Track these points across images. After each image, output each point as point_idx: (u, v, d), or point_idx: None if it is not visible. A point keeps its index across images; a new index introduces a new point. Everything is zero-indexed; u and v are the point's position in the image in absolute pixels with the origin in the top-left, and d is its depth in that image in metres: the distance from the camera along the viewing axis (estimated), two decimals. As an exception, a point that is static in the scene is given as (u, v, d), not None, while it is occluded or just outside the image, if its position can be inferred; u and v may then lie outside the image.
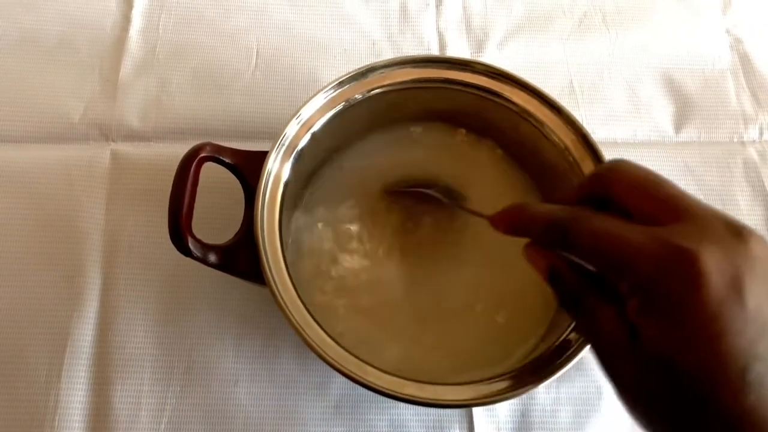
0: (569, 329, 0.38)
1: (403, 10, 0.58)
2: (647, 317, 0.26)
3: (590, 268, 0.29)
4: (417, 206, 0.47)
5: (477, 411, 0.46)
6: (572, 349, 0.37)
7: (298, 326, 0.36)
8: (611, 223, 0.28)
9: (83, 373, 0.46)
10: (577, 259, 0.29)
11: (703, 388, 0.24)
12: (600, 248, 0.27)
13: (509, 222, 0.33)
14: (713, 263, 0.24)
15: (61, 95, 0.53)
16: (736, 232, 0.26)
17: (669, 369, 0.25)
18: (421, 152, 0.49)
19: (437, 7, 0.59)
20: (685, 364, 0.25)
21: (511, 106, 0.44)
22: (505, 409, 0.47)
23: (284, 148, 0.41)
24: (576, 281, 0.30)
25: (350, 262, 0.46)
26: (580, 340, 0.37)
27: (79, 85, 0.53)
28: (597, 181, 0.31)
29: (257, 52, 0.56)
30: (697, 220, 0.26)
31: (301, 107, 0.41)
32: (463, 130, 0.48)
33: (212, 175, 0.42)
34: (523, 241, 0.33)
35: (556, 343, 0.38)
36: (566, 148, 0.42)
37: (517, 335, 0.43)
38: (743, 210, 0.53)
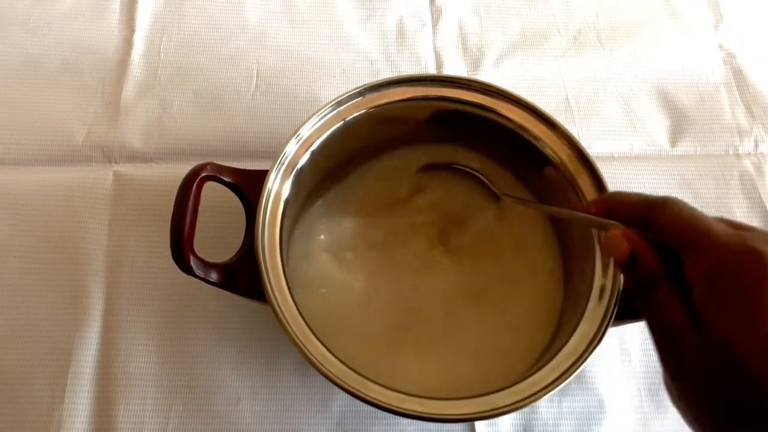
0: (569, 343, 0.38)
1: (400, 30, 0.59)
2: (712, 303, 0.28)
3: (670, 246, 0.30)
4: (431, 212, 0.48)
5: (479, 425, 0.46)
6: (573, 363, 0.37)
7: (299, 343, 0.36)
8: (698, 212, 0.30)
9: (86, 394, 0.46)
10: (660, 237, 0.31)
11: (763, 373, 0.26)
12: (688, 228, 0.30)
13: (607, 204, 0.35)
14: None
15: (65, 118, 0.54)
16: None
17: (730, 353, 0.27)
18: (418, 173, 0.49)
19: (434, 26, 0.60)
20: (746, 349, 0.26)
21: (507, 122, 0.44)
22: (507, 423, 0.47)
23: (284, 166, 0.41)
24: (654, 267, 0.31)
25: (351, 278, 0.46)
26: (581, 354, 0.37)
27: (82, 108, 0.54)
28: (646, 207, 0.32)
29: (257, 73, 0.57)
30: (758, 233, 0.29)
31: (300, 126, 0.42)
32: (461, 149, 0.49)
33: (213, 194, 0.42)
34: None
35: (557, 357, 0.38)
36: (562, 162, 0.43)
37: (518, 349, 0.43)
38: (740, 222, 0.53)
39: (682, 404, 0.29)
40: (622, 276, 0.38)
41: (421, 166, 0.49)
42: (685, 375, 0.29)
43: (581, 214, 0.38)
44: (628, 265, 0.32)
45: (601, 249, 0.40)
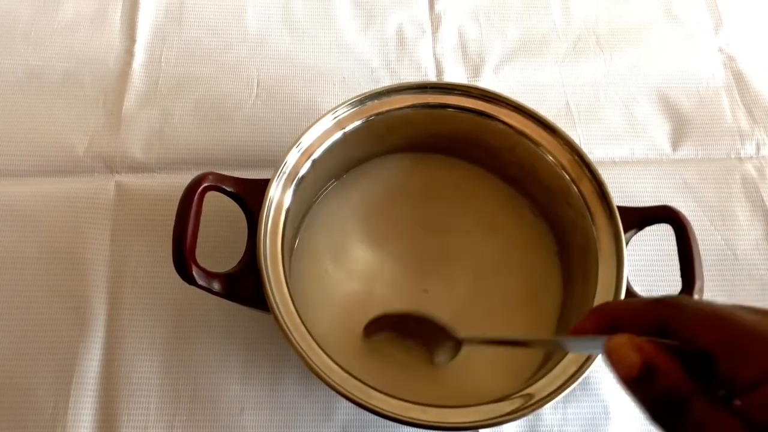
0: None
1: (400, 38, 0.60)
2: None
3: (700, 350, 0.24)
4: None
5: (483, 433, 0.46)
6: (578, 369, 0.37)
7: (302, 352, 0.36)
8: (719, 304, 0.25)
9: (89, 404, 0.46)
10: (679, 343, 0.25)
11: None
12: (716, 323, 0.24)
13: (599, 321, 0.29)
14: None
15: (66, 129, 0.54)
16: None
17: None
18: (419, 180, 0.50)
19: (433, 34, 0.60)
20: None
21: (507, 128, 0.44)
22: (512, 430, 0.46)
23: (285, 175, 0.42)
24: (682, 380, 0.24)
25: (352, 285, 0.46)
26: (585, 360, 0.37)
27: (84, 119, 0.54)
28: (658, 307, 0.27)
29: (258, 82, 0.57)
30: None
31: (301, 135, 0.42)
32: (460, 160, 0.49)
33: (215, 204, 0.43)
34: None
35: (561, 364, 0.38)
36: (563, 167, 0.43)
37: (522, 356, 0.43)
38: (743, 225, 0.53)
39: None
40: (632, 389, 0.26)
41: (369, 323, 0.44)
42: None
43: (569, 337, 0.31)
44: (640, 382, 0.25)
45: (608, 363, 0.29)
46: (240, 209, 0.42)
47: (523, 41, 0.60)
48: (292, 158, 0.42)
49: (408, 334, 0.44)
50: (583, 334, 0.29)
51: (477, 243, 0.48)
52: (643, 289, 0.41)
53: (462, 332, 0.43)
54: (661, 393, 0.24)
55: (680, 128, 0.57)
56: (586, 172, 0.42)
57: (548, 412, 0.47)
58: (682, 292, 0.39)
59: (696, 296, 0.38)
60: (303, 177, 0.42)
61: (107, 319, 0.48)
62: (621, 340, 0.26)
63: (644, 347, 0.25)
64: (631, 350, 0.25)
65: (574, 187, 0.42)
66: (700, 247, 0.41)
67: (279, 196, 0.41)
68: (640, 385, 0.25)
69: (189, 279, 0.38)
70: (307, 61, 0.58)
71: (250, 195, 0.41)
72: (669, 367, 0.24)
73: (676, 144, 0.56)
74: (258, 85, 0.57)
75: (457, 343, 0.41)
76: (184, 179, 0.40)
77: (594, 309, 0.30)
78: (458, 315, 0.45)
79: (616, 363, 0.26)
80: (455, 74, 0.58)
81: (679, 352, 0.25)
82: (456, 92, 0.45)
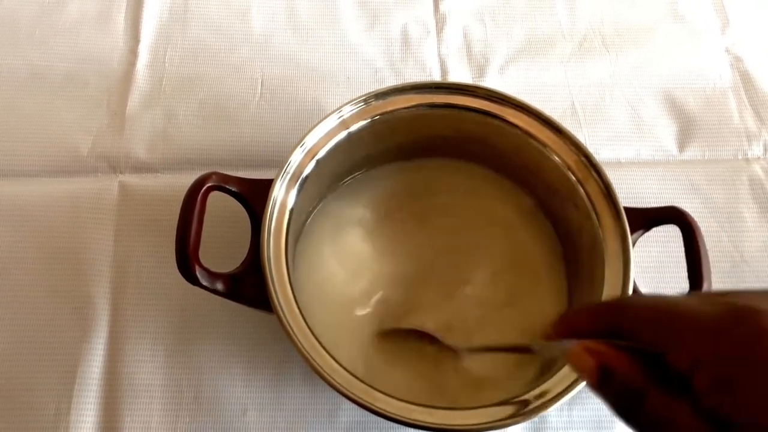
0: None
1: (405, 38, 0.59)
2: (726, 390, 0.22)
3: (647, 347, 0.26)
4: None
5: (488, 436, 0.46)
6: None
7: (305, 352, 0.36)
8: (663, 296, 0.26)
9: (92, 405, 0.46)
10: (630, 342, 0.26)
11: None
12: (658, 318, 0.25)
13: (560, 330, 0.30)
14: None
15: (70, 129, 0.54)
16: None
17: None
18: (424, 181, 0.49)
19: (438, 34, 0.60)
20: None
21: (513, 129, 0.44)
22: (517, 433, 0.46)
23: (289, 175, 0.41)
24: (635, 375, 0.25)
25: (356, 286, 0.46)
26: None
27: (88, 119, 0.54)
28: (609, 310, 0.29)
29: (262, 82, 0.57)
30: (735, 294, 0.25)
31: (305, 135, 0.42)
32: (466, 161, 0.49)
33: (219, 204, 0.42)
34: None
35: (566, 366, 0.38)
36: (569, 168, 0.42)
37: (527, 357, 0.42)
38: (750, 227, 0.53)
39: None
40: (598, 392, 0.28)
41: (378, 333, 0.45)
42: None
43: (543, 343, 0.33)
44: (601, 383, 0.26)
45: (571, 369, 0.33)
46: (243, 209, 0.42)
47: (529, 41, 0.60)
48: (296, 158, 0.42)
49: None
50: (549, 340, 0.31)
51: (483, 244, 0.48)
52: (649, 291, 0.41)
53: (465, 334, 0.43)
54: (619, 390, 0.26)
55: (687, 129, 0.56)
56: (593, 172, 0.42)
57: (553, 414, 0.46)
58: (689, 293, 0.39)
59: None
60: (307, 177, 0.42)
61: (110, 319, 0.48)
62: (576, 348, 0.27)
63: (598, 350, 0.27)
64: (586, 355, 0.27)
65: (581, 188, 0.42)
66: (707, 249, 0.40)
67: (283, 196, 0.41)
68: (603, 385, 0.26)
69: (192, 279, 0.38)
70: (311, 62, 0.58)
71: (253, 195, 0.41)
72: (622, 365, 0.26)
73: (682, 145, 0.56)
74: (262, 86, 0.57)
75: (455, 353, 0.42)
76: (188, 179, 0.40)
77: (556, 321, 0.31)
78: (462, 316, 0.45)
79: (577, 369, 0.28)
80: (460, 74, 0.58)
81: (635, 350, 0.26)
82: (461, 92, 0.44)
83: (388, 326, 0.45)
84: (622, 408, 0.26)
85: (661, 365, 0.25)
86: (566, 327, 0.30)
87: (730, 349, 0.22)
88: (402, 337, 0.44)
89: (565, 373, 0.37)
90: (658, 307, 0.26)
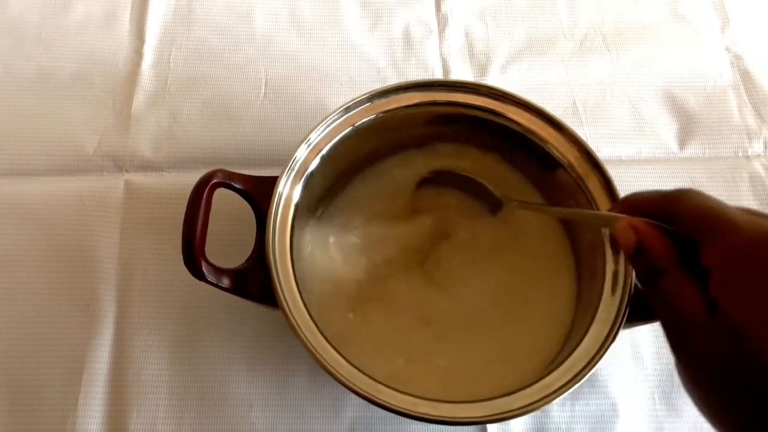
0: (581, 345, 0.38)
1: (407, 38, 0.60)
2: (730, 288, 0.28)
3: (687, 234, 0.30)
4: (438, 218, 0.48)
5: (491, 428, 0.46)
6: (586, 365, 0.37)
7: (311, 347, 0.36)
8: (717, 201, 0.31)
9: (99, 401, 0.46)
10: (677, 228, 0.31)
11: None
12: (707, 216, 0.30)
13: (626, 204, 0.36)
14: None
15: (76, 129, 0.54)
16: None
17: (744, 340, 0.26)
18: (429, 173, 0.50)
19: (440, 33, 0.60)
20: (760, 339, 0.26)
21: (515, 126, 0.44)
22: (520, 426, 0.46)
23: (294, 172, 0.42)
24: (665, 255, 0.31)
25: (361, 282, 0.46)
26: (593, 356, 0.37)
27: (94, 118, 0.55)
28: (666, 200, 0.33)
29: (266, 82, 0.57)
30: None
31: (310, 131, 0.42)
32: (471, 148, 0.49)
33: (224, 201, 0.43)
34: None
35: (569, 359, 0.38)
36: (570, 164, 0.43)
37: (530, 352, 0.43)
38: (751, 223, 0.53)
39: (694, 391, 0.29)
40: (633, 275, 0.38)
41: (420, 179, 0.49)
42: (697, 362, 0.29)
43: (591, 212, 0.38)
44: (635, 255, 0.32)
45: (612, 243, 0.40)
46: (248, 207, 0.42)
47: (530, 41, 0.60)
48: (301, 154, 0.42)
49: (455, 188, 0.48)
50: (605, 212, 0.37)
51: (490, 233, 0.48)
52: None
53: (469, 331, 0.43)
54: (647, 264, 0.32)
55: (687, 127, 0.57)
56: (594, 169, 0.42)
57: (556, 409, 0.47)
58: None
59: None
60: (312, 173, 0.42)
61: (116, 316, 0.48)
62: (622, 222, 0.33)
63: (639, 227, 0.32)
64: (629, 230, 0.32)
65: (582, 184, 0.42)
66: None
67: (288, 192, 0.41)
68: (635, 257, 0.32)
69: (198, 275, 0.38)
70: (314, 61, 0.58)
71: (258, 192, 0.41)
72: (656, 243, 0.31)
73: (683, 143, 0.56)
74: (266, 85, 0.57)
75: (497, 204, 0.46)
76: (193, 178, 0.40)
77: (621, 199, 0.37)
78: (468, 309, 0.45)
79: (620, 240, 0.33)
80: (462, 74, 0.58)
81: (672, 234, 0.31)
82: (463, 90, 0.45)
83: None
84: (644, 277, 0.32)
85: (690, 252, 0.30)
86: (627, 204, 0.35)
87: (751, 262, 0.27)
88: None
89: (569, 366, 0.37)
90: (711, 207, 0.30)
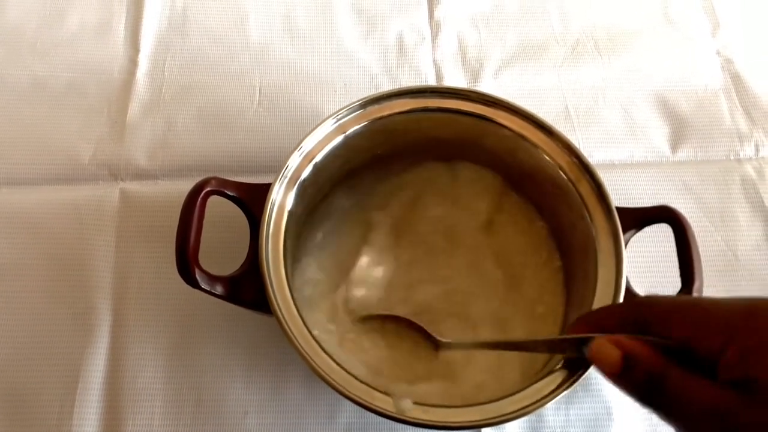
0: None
1: (400, 45, 0.60)
2: (762, 358, 0.25)
3: (669, 339, 0.28)
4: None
5: (486, 433, 0.46)
6: (578, 369, 0.37)
7: (305, 353, 0.36)
8: (680, 296, 0.30)
9: (95, 409, 0.46)
10: (651, 336, 0.29)
11: None
12: (683, 311, 0.29)
13: (582, 327, 0.34)
14: None
15: (71, 138, 0.54)
16: None
17: None
18: (421, 182, 0.50)
19: (433, 40, 0.61)
20: None
21: (506, 132, 0.45)
22: (514, 430, 0.47)
23: (287, 179, 0.42)
24: (656, 360, 0.28)
25: (355, 290, 0.46)
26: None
27: (88, 127, 0.55)
28: (634, 308, 0.32)
29: (260, 89, 0.57)
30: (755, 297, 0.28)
31: (303, 139, 0.43)
32: (461, 162, 0.50)
33: (218, 209, 0.43)
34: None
35: (562, 363, 0.38)
36: (561, 169, 0.43)
37: (523, 356, 0.43)
38: (743, 226, 0.54)
39: None
40: (619, 382, 0.31)
41: (360, 318, 0.45)
42: None
43: (549, 338, 0.35)
44: (623, 373, 0.29)
45: (593, 364, 0.33)
46: (242, 214, 0.42)
47: (522, 47, 0.61)
48: (293, 162, 0.42)
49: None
50: (570, 335, 0.33)
51: (478, 243, 0.48)
52: (643, 289, 0.41)
53: (459, 333, 0.43)
54: (641, 377, 0.28)
55: (679, 131, 0.57)
56: (585, 173, 0.43)
57: (551, 412, 0.47)
58: (680, 291, 0.39)
59: (695, 294, 0.39)
60: (305, 180, 0.43)
61: (112, 324, 0.48)
62: (600, 340, 0.30)
63: (622, 342, 0.29)
64: (610, 347, 0.29)
65: (573, 189, 0.43)
66: (701, 249, 0.41)
67: (281, 200, 0.41)
68: (624, 375, 0.29)
69: (192, 282, 0.38)
70: (308, 69, 0.59)
71: (252, 199, 0.42)
72: (645, 352, 0.28)
73: (675, 146, 0.57)
74: (260, 93, 0.57)
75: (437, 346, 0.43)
76: (188, 186, 0.40)
77: (579, 317, 0.34)
78: (458, 315, 0.45)
79: (600, 361, 0.30)
80: (455, 80, 0.59)
81: (654, 343, 0.29)
82: (455, 96, 0.45)
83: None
84: (643, 393, 0.28)
85: (681, 354, 0.28)
86: (589, 324, 0.33)
87: (761, 325, 0.26)
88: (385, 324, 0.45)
89: (560, 371, 0.37)
90: (683, 302, 0.29)
